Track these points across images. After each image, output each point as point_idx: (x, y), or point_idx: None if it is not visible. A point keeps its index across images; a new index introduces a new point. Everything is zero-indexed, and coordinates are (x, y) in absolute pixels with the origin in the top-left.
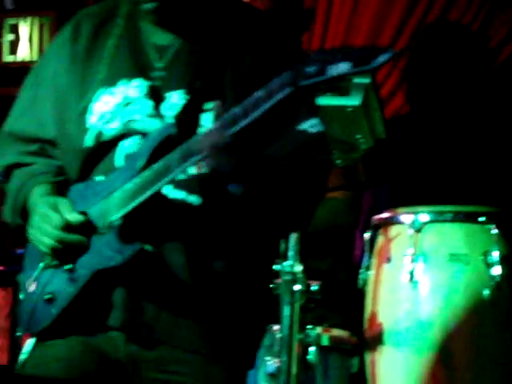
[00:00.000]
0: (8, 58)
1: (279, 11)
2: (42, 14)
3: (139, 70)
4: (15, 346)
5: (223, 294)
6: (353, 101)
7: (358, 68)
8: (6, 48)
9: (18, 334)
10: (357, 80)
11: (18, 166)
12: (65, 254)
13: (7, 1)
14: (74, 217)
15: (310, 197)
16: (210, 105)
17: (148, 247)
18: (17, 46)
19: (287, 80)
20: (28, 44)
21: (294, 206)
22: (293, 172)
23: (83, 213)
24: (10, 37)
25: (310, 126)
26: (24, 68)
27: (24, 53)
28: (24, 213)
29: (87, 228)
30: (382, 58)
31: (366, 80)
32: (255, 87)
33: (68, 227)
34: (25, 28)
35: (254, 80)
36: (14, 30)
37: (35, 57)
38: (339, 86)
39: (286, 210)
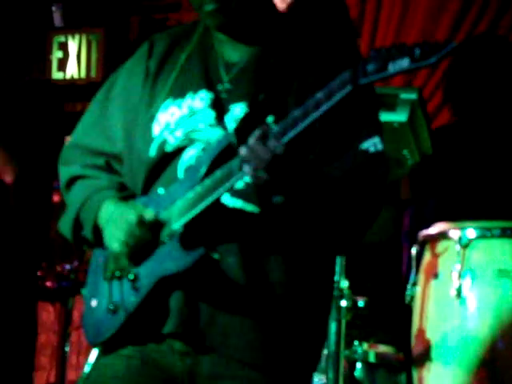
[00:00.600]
0: (56, 75)
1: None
2: (90, 32)
3: (206, 82)
4: (64, 363)
5: (279, 303)
6: (400, 116)
7: (417, 63)
8: (54, 65)
9: (67, 349)
10: (404, 96)
11: (81, 177)
12: (134, 250)
13: (56, 18)
14: (148, 213)
15: (364, 214)
16: (271, 118)
17: (215, 255)
18: (65, 63)
19: (347, 78)
20: (76, 61)
21: (349, 223)
22: (349, 188)
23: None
24: (59, 54)
25: (372, 144)
26: (72, 85)
27: (72, 70)
28: (95, 229)
29: (157, 228)
30: (441, 52)
31: (412, 96)
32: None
33: (142, 223)
34: (73, 45)
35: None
36: (63, 47)
37: (83, 74)
38: (383, 100)
39: (340, 225)
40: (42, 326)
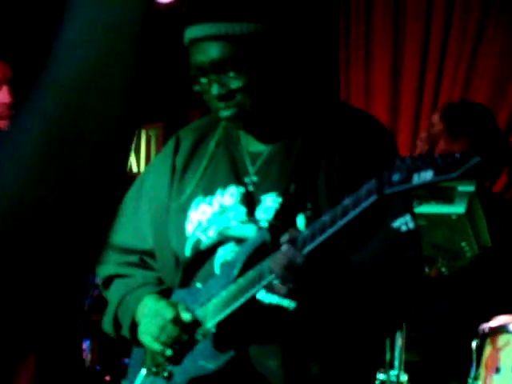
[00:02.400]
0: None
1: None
2: (149, 126)
3: (234, 177)
4: None
5: None
6: (457, 208)
7: (441, 176)
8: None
9: None
10: (461, 188)
11: (117, 276)
12: (167, 346)
13: None
14: (186, 314)
15: (401, 300)
16: (303, 208)
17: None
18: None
19: (373, 188)
20: (135, 155)
21: (385, 310)
22: (383, 273)
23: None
24: None
25: (403, 223)
26: (131, 179)
27: (131, 164)
28: (133, 328)
29: (193, 329)
30: (466, 166)
31: (470, 188)
32: (346, 189)
33: (177, 322)
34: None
35: (344, 182)
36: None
37: (142, 168)
38: (441, 193)
39: (375, 314)
40: None
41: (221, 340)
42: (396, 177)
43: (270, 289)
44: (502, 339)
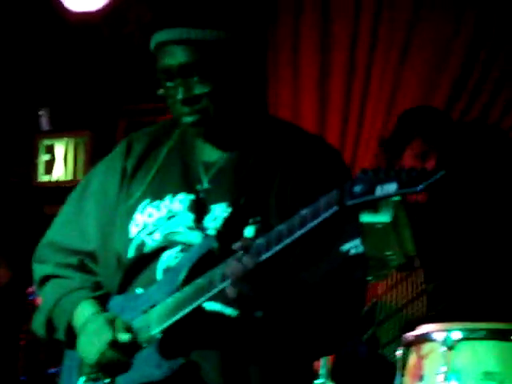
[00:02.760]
0: (43, 178)
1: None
2: (77, 134)
3: (186, 184)
4: None
5: None
6: (383, 218)
7: (404, 189)
8: (41, 168)
9: None
10: (389, 198)
11: (54, 277)
12: (108, 367)
13: (43, 122)
14: (123, 336)
15: (345, 319)
16: (252, 220)
17: (182, 360)
18: (52, 165)
19: (334, 199)
20: (63, 164)
21: (331, 328)
22: (330, 292)
23: (129, 329)
24: (46, 157)
25: (353, 247)
26: (58, 188)
27: (59, 172)
28: (69, 332)
29: (132, 347)
30: (429, 181)
31: (395, 197)
32: (300, 206)
33: (115, 345)
34: (60, 148)
35: (298, 199)
36: (50, 150)
37: (70, 176)
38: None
39: (319, 331)
40: None
41: (166, 347)
42: (358, 188)
43: (215, 296)
44: (425, 347)
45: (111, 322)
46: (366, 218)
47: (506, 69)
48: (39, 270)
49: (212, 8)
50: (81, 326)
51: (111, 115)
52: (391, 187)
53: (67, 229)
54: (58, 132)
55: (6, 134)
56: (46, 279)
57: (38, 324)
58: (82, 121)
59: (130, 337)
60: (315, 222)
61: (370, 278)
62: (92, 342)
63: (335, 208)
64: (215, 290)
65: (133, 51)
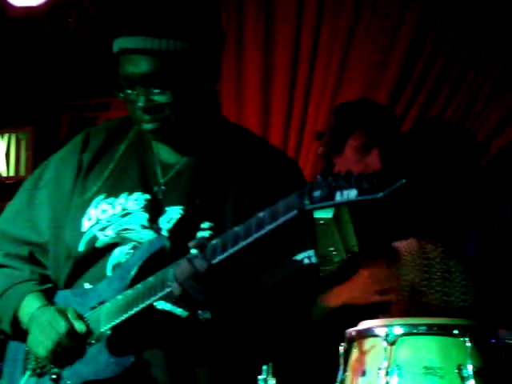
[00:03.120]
0: None
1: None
2: (19, 130)
3: (142, 184)
4: None
5: None
6: (325, 214)
7: (364, 196)
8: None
9: None
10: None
11: (2, 266)
12: (60, 358)
13: None
14: (78, 325)
15: (293, 326)
16: (206, 225)
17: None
18: None
19: (293, 203)
20: (5, 160)
21: (275, 335)
22: (280, 300)
23: (83, 318)
24: None
25: (306, 256)
26: (0, 184)
27: (1, 168)
28: (14, 324)
29: (84, 338)
30: (389, 188)
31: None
32: (255, 210)
33: (72, 334)
34: (2, 144)
35: (256, 207)
36: None
37: (12, 172)
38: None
39: (266, 336)
40: None
41: (115, 344)
42: (317, 193)
43: (166, 296)
44: (368, 343)
45: (63, 313)
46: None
47: (447, 66)
48: None
49: (177, 18)
50: (29, 318)
51: (54, 111)
52: (351, 193)
53: (18, 219)
54: (4, 127)
55: None
56: None
57: None
58: (25, 116)
59: (85, 327)
60: (273, 225)
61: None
62: (46, 332)
63: (294, 212)
64: (167, 290)
65: (75, 47)
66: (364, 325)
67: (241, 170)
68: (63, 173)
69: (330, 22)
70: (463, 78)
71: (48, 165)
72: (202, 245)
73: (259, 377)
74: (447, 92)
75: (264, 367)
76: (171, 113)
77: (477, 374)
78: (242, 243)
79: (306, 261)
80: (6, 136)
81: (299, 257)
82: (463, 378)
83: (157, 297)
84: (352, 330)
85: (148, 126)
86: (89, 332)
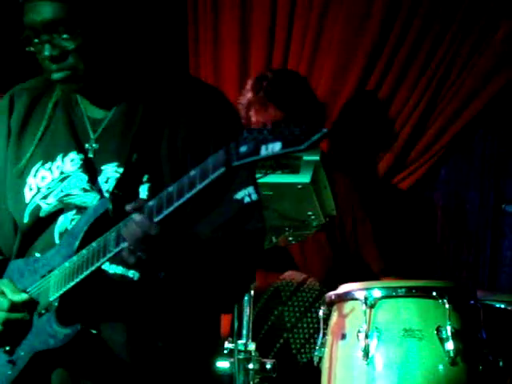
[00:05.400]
0: None
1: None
2: None
3: (75, 143)
4: None
5: (163, 373)
6: (303, 178)
7: (289, 148)
8: None
9: None
10: (306, 157)
11: None
12: (8, 334)
13: None
14: (18, 297)
15: (240, 273)
16: (146, 177)
17: (92, 330)
18: None
19: (221, 160)
20: None
21: (227, 283)
22: (223, 246)
23: (24, 291)
24: None
25: (246, 194)
26: None
27: None
28: None
29: (30, 306)
30: (313, 138)
31: (315, 157)
32: (191, 160)
33: (13, 307)
34: None
35: (189, 152)
36: None
37: None
38: (287, 162)
39: (218, 287)
40: None
41: (65, 313)
42: (244, 148)
43: (116, 259)
44: (347, 306)
45: (1, 289)
46: (287, 178)
47: (412, 49)
48: None
49: None
50: None
51: None
52: (276, 146)
53: None
54: None
55: None
56: None
57: None
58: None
59: (26, 295)
60: (203, 183)
61: (291, 239)
62: None
63: (222, 169)
64: (110, 254)
65: None
66: (343, 288)
67: (172, 113)
68: None
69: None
70: (433, 55)
71: None
72: (140, 207)
73: (239, 342)
74: (421, 62)
75: (244, 332)
76: (78, 60)
77: (455, 335)
78: (176, 203)
79: (247, 199)
80: None
81: (239, 195)
82: (442, 340)
83: (100, 262)
84: (332, 294)
85: (55, 76)
86: (34, 302)
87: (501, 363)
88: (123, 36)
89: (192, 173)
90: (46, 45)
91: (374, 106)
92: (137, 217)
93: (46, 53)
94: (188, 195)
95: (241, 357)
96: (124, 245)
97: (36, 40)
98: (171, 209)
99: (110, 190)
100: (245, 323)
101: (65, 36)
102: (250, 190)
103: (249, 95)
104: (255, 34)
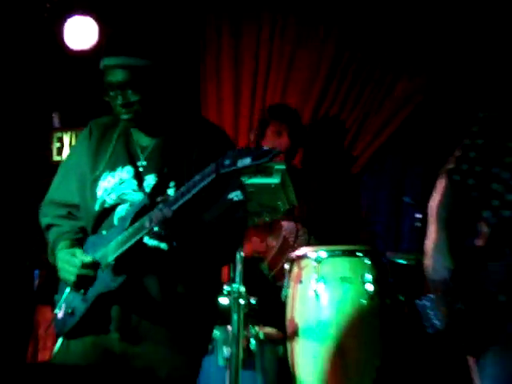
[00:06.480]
0: (56, 158)
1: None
2: (78, 129)
3: (130, 161)
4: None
5: (183, 308)
6: (274, 180)
7: (255, 161)
8: (54, 152)
9: None
10: (277, 167)
11: (52, 225)
12: (81, 282)
13: (55, 121)
14: (86, 259)
15: (231, 243)
16: (172, 183)
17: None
18: (62, 150)
19: (213, 169)
20: (69, 149)
21: (223, 250)
22: (220, 227)
23: (93, 257)
24: (57, 145)
25: (235, 195)
26: None
27: (66, 154)
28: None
29: (95, 266)
30: (270, 155)
31: (282, 166)
32: (200, 168)
33: (83, 265)
34: (67, 138)
35: (198, 168)
36: (60, 140)
37: None
38: (264, 170)
39: (217, 252)
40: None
41: (118, 269)
42: (227, 162)
43: (151, 235)
44: (303, 262)
45: (74, 253)
46: (264, 180)
47: (354, 82)
48: (43, 221)
49: (141, 43)
50: (58, 260)
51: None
52: (247, 160)
53: (59, 189)
54: (65, 127)
55: (33, 130)
56: (48, 227)
57: (49, 256)
58: (82, 120)
59: (90, 258)
60: (202, 184)
61: (267, 219)
62: (67, 268)
63: (214, 175)
64: (145, 231)
65: None
66: (301, 251)
67: (192, 144)
68: (80, 157)
69: (279, 44)
70: (362, 93)
71: (72, 150)
72: (165, 200)
73: (233, 285)
74: (352, 100)
75: (237, 279)
76: (139, 107)
77: (373, 280)
78: (187, 196)
79: (235, 198)
80: (69, 133)
81: (230, 196)
82: (364, 283)
83: (140, 235)
84: (293, 254)
85: (124, 117)
86: (97, 262)
87: (401, 297)
88: (163, 93)
89: (196, 177)
90: (119, 96)
91: (330, 125)
92: (161, 206)
93: (119, 102)
94: (193, 192)
95: (235, 296)
96: (152, 225)
97: (112, 93)
98: (182, 201)
99: (149, 191)
100: (237, 273)
101: (130, 92)
102: (238, 192)
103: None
104: (245, 79)
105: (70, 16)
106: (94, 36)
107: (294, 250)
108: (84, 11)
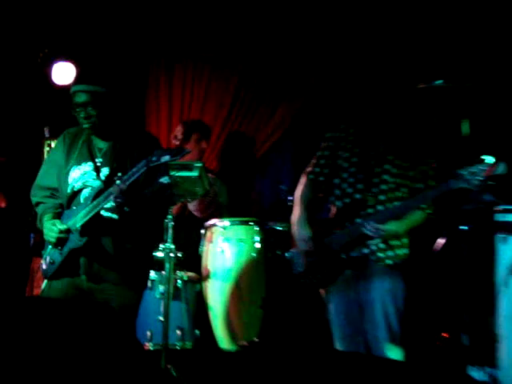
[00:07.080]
0: None
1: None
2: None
3: (90, 158)
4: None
5: (130, 259)
6: (194, 173)
7: (173, 157)
8: (45, 155)
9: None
10: (196, 164)
11: (40, 203)
12: (59, 242)
13: (46, 133)
14: (62, 227)
15: (162, 211)
16: (120, 174)
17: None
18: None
19: (144, 163)
20: (51, 149)
21: (156, 215)
22: (155, 200)
23: (66, 225)
24: (47, 149)
25: (164, 179)
26: None
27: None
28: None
29: (68, 231)
30: (181, 154)
31: (200, 164)
32: (136, 163)
33: (60, 231)
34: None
35: (136, 163)
36: (49, 146)
37: None
38: (187, 166)
39: (152, 216)
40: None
41: (83, 232)
42: (154, 158)
43: (106, 209)
44: (214, 229)
45: (54, 223)
46: (187, 173)
47: (251, 106)
48: (33, 199)
49: (98, 76)
50: (44, 227)
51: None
52: (166, 157)
53: (44, 177)
54: (53, 137)
55: (29, 140)
56: (37, 204)
57: (38, 224)
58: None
59: (65, 226)
60: (139, 173)
61: (189, 200)
62: (50, 233)
63: (145, 168)
64: (104, 203)
65: None
66: (212, 222)
67: (132, 146)
68: (57, 155)
69: (198, 80)
70: (254, 113)
71: (52, 151)
72: (120, 178)
73: (166, 244)
74: (249, 118)
75: (169, 240)
76: (97, 119)
77: (260, 240)
78: (132, 178)
79: (164, 181)
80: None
81: (161, 180)
82: (254, 242)
83: (99, 208)
84: (208, 224)
85: (86, 126)
86: (69, 229)
87: (278, 252)
88: (114, 108)
89: (133, 169)
90: (82, 112)
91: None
92: (118, 182)
93: (82, 115)
94: (136, 175)
95: (167, 251)
96: (107, 200)
97: (78, 109)
98: (132, 179)
99: (104, 179)
100: (169, 235)
101: (90, 108)
102: (166, 178)
103: (180, 132)
104: (175, 104)
105: (56, 61)
106: (73, 75)
107: (211, 197)
108: (66, 58)
